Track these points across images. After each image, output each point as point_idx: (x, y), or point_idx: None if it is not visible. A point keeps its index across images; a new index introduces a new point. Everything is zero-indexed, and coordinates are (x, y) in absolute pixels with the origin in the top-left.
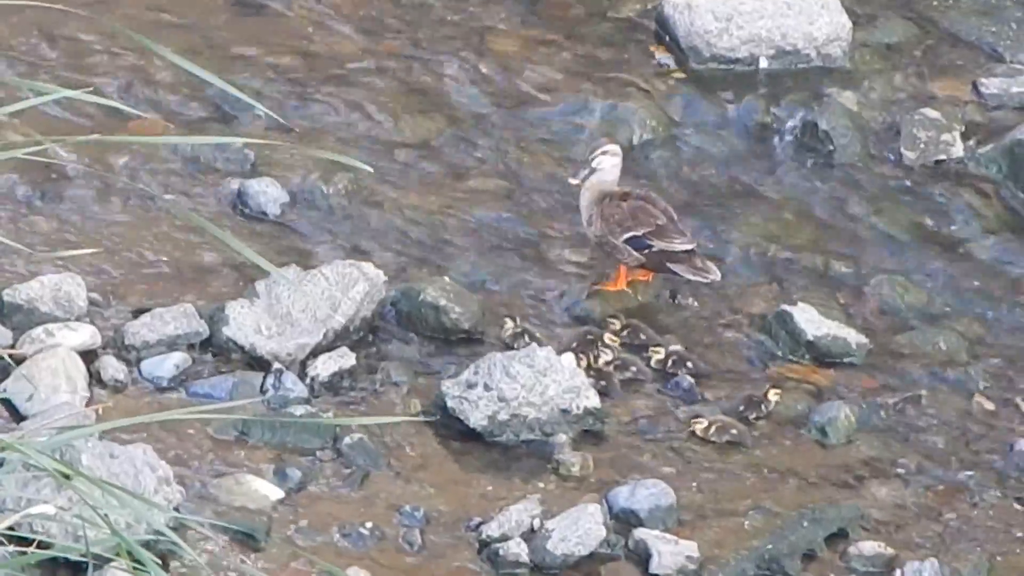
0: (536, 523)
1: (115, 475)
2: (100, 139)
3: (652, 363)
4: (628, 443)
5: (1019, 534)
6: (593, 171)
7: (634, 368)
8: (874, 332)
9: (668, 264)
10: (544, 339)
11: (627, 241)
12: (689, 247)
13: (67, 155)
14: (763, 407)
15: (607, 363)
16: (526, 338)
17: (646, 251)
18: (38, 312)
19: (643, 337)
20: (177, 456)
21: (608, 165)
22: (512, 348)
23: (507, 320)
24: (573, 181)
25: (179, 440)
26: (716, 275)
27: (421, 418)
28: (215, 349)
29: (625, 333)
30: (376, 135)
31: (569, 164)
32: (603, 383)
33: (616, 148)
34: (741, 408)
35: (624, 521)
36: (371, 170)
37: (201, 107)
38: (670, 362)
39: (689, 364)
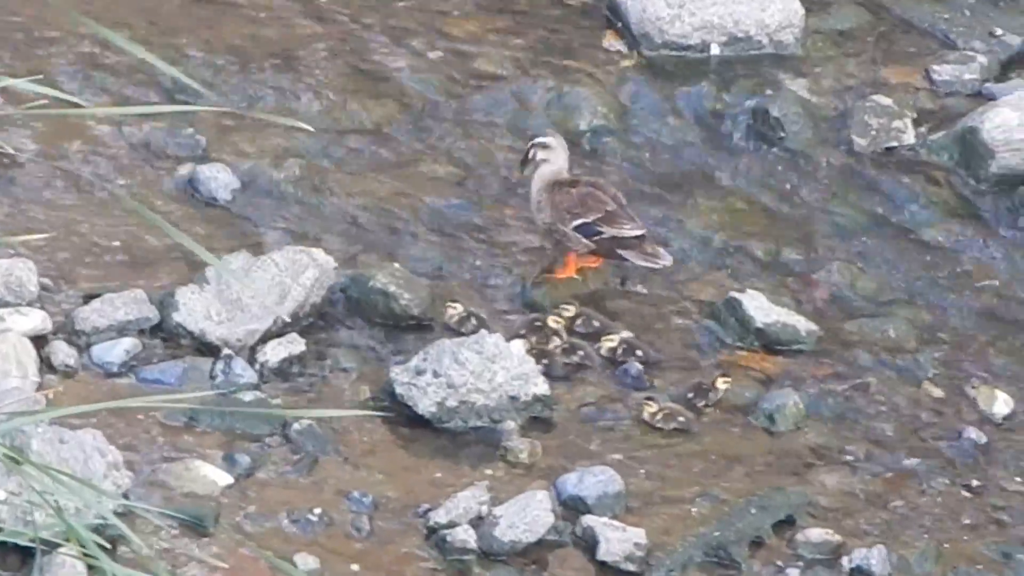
0: (484, 510)
1: (65, 460)
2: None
3: (603, 351)
4: (577, 430)
5: (966, 521)
6: (537, 165)
7: (581, 353)
8: (824, 319)
9: (618, 250)
10: (494, 326)
11: (576, 228)
12: (639, 233)
13: (18, 139)
14: (711, 394)
15: (555, 348)
16: (473, 322)
17: (595, 238)
18: None
19: (595, 324)
20: (127, 442)
21: (544, 157)
22: (458, 333)
23: (452, 305)
24: (516, 176)
25: (129, 425)
26: (667, 261)
27: (370, 412)
28: (165, 335)
29: (578, 322)
30: (328, 120)
31: (513, 156)
32: (549, 365)
33: (550, 139)
34: (690, 395)
35: (572, 508)
36: (312, 129)
37: (154, 94)
38: (620, 350)
39: (639, 352)
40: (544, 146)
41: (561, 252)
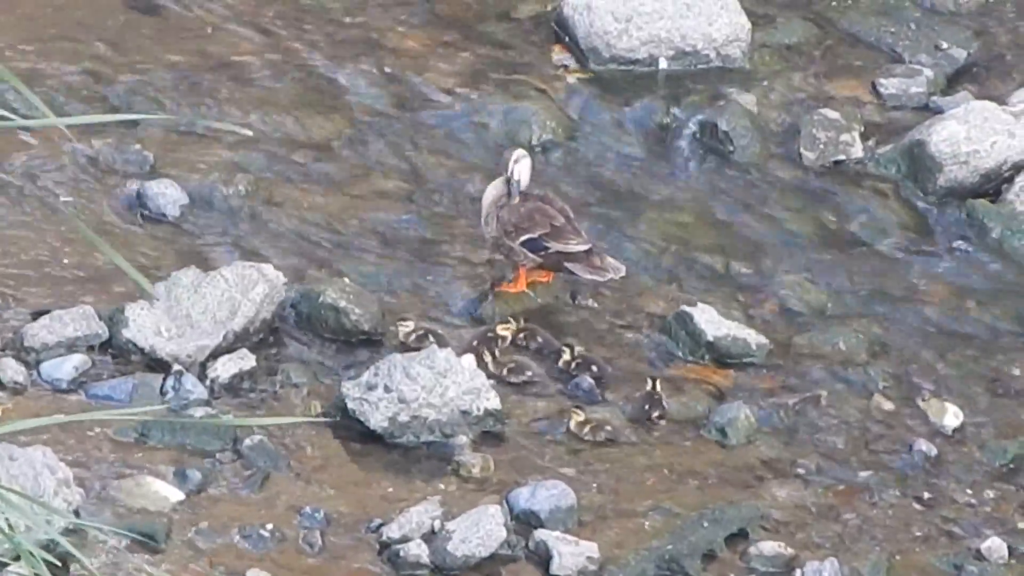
0: (437, 524)
1: (14, 477)
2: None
3: (560, 363)
4: (528, 444)
5: (918, 533)
6: (519, 183)
7: (529, 372)
8: (774, 332)
9: (566, 264)
10: (447, 340)
11: (523, 244)
12: (585, 247)
13: None
14: (662, 404)
15: (503, 361)
16: (430, 338)
17: (542, 252)
18: None
19: (539, 340)
20: (77, 458)
21: (525, 170)
22: (410, 349)
23: (403, 323)
24: (515, 201)
25: (79, 442)
26: (615, 273)
27: (321, 419)
28: (115, 351)
29: (522, 336)
30: (275, 136)
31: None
32: (497, 378)
33: (524, 152)
34: (645, 407)
35: (525, 522)
36: (250, 134)
37: (101, 109)
38: (575, 364)
39: (594, 367)
40: (523, 157)
41: (511, 266)
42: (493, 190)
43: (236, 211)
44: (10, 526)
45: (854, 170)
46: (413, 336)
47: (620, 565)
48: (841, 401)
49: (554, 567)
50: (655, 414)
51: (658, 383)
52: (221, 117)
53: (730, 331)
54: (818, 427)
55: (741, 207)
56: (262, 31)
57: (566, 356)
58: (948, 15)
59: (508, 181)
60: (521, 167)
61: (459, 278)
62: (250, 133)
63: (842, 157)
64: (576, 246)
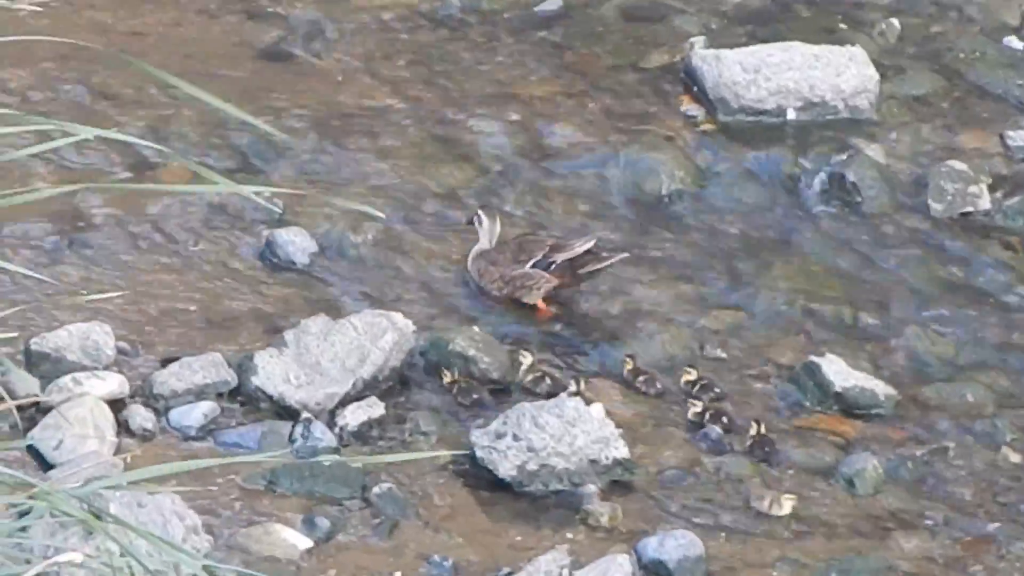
0: (565, 573)
1: (143, 524)
2: (130, 186)
3: (689, 415)
4: (657, 494)
5: None
6: (480, 217)
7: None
8: (901, 384)
9: (579, 272)
10: (561, 382)
11: (534, 266)
12: (590, 245)
13: (95, 202)
14: (773, 446)
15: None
16: (547, 382)
17: (553, 267)
18: (66, 361)
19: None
20: (205, 506)
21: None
22: (530, 392)
23: (524, 355)
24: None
25: (207, 489)
26: (621, 255)
27: (449, 453)
28: (243, 398)
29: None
30: (404, 185)
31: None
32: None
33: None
34: (758, 450)
35: (653, 572)
36: (382, 216)
37: (229, 156)
38: (707, 415)
39: (724, 419)
40: (480, 218)
41: (527, 300)
42: (473, 254)
43: (365, 259)
44: (147, 570)
45: (981, 222)
46: (530, 377)
47: None
48: (969, 453)
49: None
50: (763, 455)
51: (762, 425)
52: (352, 169)
53: (858, 382)
54: (946, 479)
55: (868, 258)
56: (391, 80)
57: (696, 408)
58: None
59: (470, 223)
60: (486, 218)
61: (589, 328)
62: (381, 215)
63: (970, 209)
64: (582, 246)
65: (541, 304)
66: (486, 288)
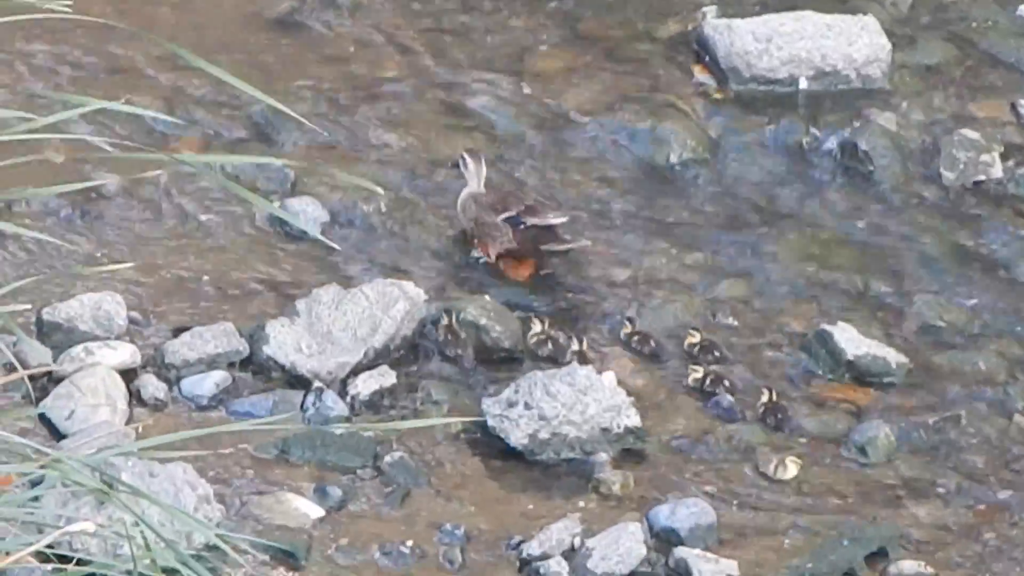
0: (577, 542)
1: (155, 493)
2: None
3: (690, 381)
4: (669, 462)
5: None
6: (464, 159)
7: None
8: (914, 352)
9: (541, 247)
10: (563, 346)
11: (504, 220)
12: (563, 219)
13: (107, 174)
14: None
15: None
16: (549, 345)
17: (521, 227)
18: (78, 331)
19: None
20: (217, 475)
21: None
22: (538, 357)
23: (535, 322)
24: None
25: (219, 459)
26: (583, 242)
27: (461, 424)
28: (255, 368)
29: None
30: (416, 154)
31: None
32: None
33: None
34: (769, 419)
35: (665, 540)
36: (380, 191)
37: (241, 127)
38: (708, 380)
39: (726, 383)
40: (465, 160)
41: (483, 247)
42: (461, 195)
43: (376, 228)
44: (147, 544)
45: (994, 191)
46: (534, 340)
47: None
48: (981, 421)
49: None
50: (775, 422)
51: (774, 393)
52: (364, 138)
53: (870, 350)
54: (958, 446)
55: (880, 226)
56: (403, 50)
57: (696, 374)
58: None
59: (455, 166)
60: (467, 164)
61: (602, 295)
62: (380, 191)
63: (982, 177)
64: (553, 219)
65: (492, 259)
66: (464, 225)
